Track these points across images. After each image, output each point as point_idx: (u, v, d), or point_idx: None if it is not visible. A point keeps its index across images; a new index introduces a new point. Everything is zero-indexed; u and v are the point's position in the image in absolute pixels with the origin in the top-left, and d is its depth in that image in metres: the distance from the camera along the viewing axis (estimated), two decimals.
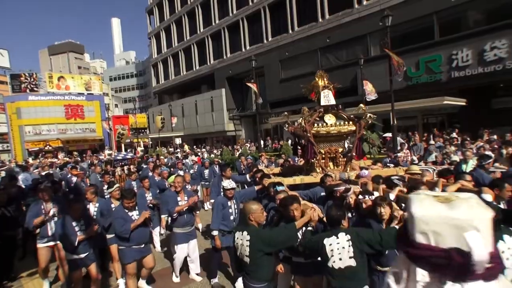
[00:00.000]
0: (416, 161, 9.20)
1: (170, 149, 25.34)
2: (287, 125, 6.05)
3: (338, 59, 20.38)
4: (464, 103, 13.79)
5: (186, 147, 25.98)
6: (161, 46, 38.10)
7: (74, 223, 4.05)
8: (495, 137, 11.96)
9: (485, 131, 13.22)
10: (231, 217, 4.66)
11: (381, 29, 12.87)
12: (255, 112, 18.37)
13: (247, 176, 6.49)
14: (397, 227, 2.90)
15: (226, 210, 4.62)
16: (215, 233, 4.56)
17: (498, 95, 16.36)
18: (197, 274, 5.11)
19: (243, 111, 28.64)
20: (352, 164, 5.68)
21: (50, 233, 4.72)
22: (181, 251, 4.93)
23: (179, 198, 5.00)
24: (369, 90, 13.67)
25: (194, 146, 28.80)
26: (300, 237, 3.10)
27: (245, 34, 26.94)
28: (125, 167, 13.91)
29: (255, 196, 4.96)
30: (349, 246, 2.65)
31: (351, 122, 5.46)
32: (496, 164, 6.78)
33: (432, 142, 12.37)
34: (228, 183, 4.72)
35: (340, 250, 2.65)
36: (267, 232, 3.02)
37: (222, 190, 4.87)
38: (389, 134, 13.22)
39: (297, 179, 5.25)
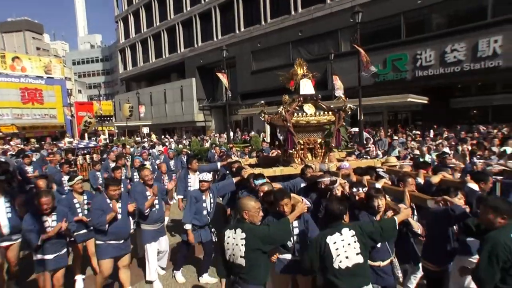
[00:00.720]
0: (381, 156, 9.35)
1: (137, 138, 24.33)
2: (263, 115, 5.85)
3: (310, 53, 20.37)
4: (426, 101, 14.31)
5: (153, 137, 25.00)
6: (129, 31, 36.13)
7: (44, 218, 3.63)
8: (452, 134, 12.52)
9: (443, 129, 13.85)
10: (204, 212, 4.38)
11: (351, 26, 12.92)
12: (225, 103, 17.91)
13: (218, 164, 6.16)
14: (396, 218, 2.80)
15: (200, 204, 4.34)
16: (187, 227, 4.30)
17: (456, 96, 17.24)
18: (162, 268, 4.85)
19: (214, 101, 28.02)
20: (330, 155, 5.64)
21: (4, 230, 4.11)
22: (152, 251, 4.48)
23: (148, 193, 4.53)
24: (338, 85, 13.77)
25: (162, 136, 27.81)
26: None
27: (217, 23, 26.17)
28: (87, 156, 13.06)
29: (233, 189, 4.76)
30: (355, 242, 2.47)
31: (330, 113, 5.31)
32: (453, 160, 7.02)
33: (395, 137, 12.74)
34: (203, 175, 4.40)
35: (346, 248, 2.45)
36: (264, 228, 2.71)
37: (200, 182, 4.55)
38: (355, 129, 13.42)
39: (277, 170, 5.05)
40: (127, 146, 14.91)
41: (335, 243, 2.46)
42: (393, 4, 16.39)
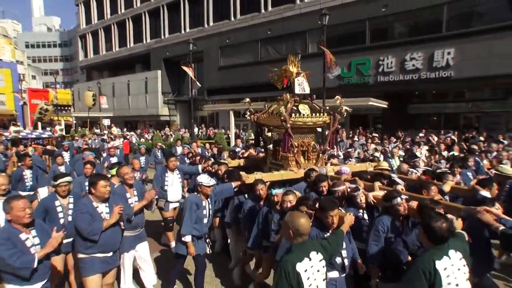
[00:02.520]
0: (342, 157, 9.50)
1: (97, 130, 22.98)
2: (248, 113, 5.51)
3: (278, 52, 20.36)
4: (386, 106, 14.86)
5: (114, 129, 23.69)
6: (91, 17, 33.90)
7: (22, 236, 2.64)
8: (408, 138, 13.11)
9: (401, 133, 14.50)
10: (205, 220, 3.84)
11: (319, 28, 13.02)
12: (191, 97, 17.40)
13: (200, 167, 5.63)
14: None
15: (200, 212, 3.76)
16: (187, 238, 3.69)
17: (413, 102, 18.13)
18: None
19: (179, 95, 27.18)
20: (333, 159, 5.51)
21: None
22: (129, 259, 3.91)
23: (128, 195, 3.94)
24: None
25: (125, 129, 26.49)
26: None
27: (185, 16, 25.33)
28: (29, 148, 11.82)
29: (231, 194, 4.37)
30: (464, 266, 2.21)
31: (325, 114, 5.02)
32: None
33: (356, 139, 13.09)
34: (206, 179, 3.82)
35: (456, 274, 2.16)
36: (327, 244, 2.48)
37: (197, 186, 3.91)
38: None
39: (277, 175, 4.63)
40: (86, 138, 13.98)
41: (445, 269, 2.14)
42: (360, 10, 16.80)
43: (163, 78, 26.93)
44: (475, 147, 9.42)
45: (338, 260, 2.85)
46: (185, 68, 16.40)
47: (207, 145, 9.87)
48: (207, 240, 3.97)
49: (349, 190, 3.66)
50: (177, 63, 25.39)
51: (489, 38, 13.42)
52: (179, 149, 9.92)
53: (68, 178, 3.78)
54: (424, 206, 2.93)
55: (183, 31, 25.44)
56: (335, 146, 10.67)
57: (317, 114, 4.95)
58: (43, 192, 6.44)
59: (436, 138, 12.65)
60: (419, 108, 18.00)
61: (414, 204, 3.12)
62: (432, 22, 15.27)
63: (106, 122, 26.88)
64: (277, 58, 20.05)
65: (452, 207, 3.13)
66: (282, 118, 4.66)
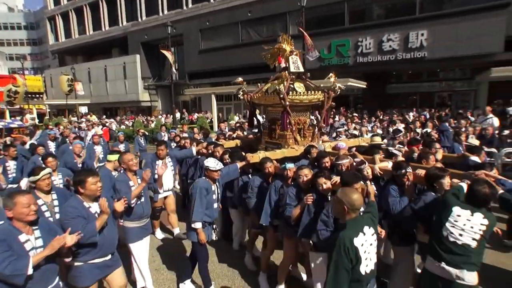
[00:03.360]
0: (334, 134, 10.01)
1: (73, 118, 22.38)
2: (241, 93, 5.45)
3: (259, 34, 20.48)
4: (365, 86, 15.49)
5: (93, 117, 23.22)
6: None
7: (22, 237, 2.31)
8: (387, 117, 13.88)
9: (380, 112, 15.26)
10: (215, 205, 3.77)
11: (299, 9, 13.30)
12: (171, 82, 17.37)
13: (194, 149, 5.54)
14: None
15: (210, 196, 3.67)
16: (198, 225, 3.57)
17: (391, 82, 18.93)
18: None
19: (160, 80, 26.84)
20: (323, 136, 5.53)
21: None
22: (140, 252, 3.76)
23: (131, 183, 3.74)
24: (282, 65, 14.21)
25: (103, 116, 26.01)
26: None
27: None
28: (8, 138, 11.37)
29: (237, 176, 4.35)
30: (480, 230, 2.53)
31: (319, 92, 5.01)
32: (385, 140, 7.91)
33: (337, 119, 13.72)
34: (213, 163, 3.67)
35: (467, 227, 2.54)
36: (375, 215, 2.63)
37: (204, 170, 3.80)
38: None
39: (279, 153, 4.66)
40: (61, 127, 13.45)
41: (459, 216, 2.56)
42: None
43: (142, 63, 26.43)
44: (446, 124, 10.30)
45: None
46: (164, 52, 16.26)
47: (195, 130, 9.84)
48: (214, 226, 3.85)
49: (354, 164, 3.75)
50: (156, 47, 24.92)
51: (456, 21, 14.24)
52: (164, 135, 9.87)
53: (48, 170, 3.35)
54: (434, 174, 3.10)
55: (161, 13, 24.90)
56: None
57: (312, 92, 4.98)
58: (23, 185, 5.72)
59: (412, 116, 13.49)
60: (397, 88, 18.86)
61: (421, 172, 3.28)
62: (407, 4, 15.88)
63: (84, 109, 26.21)
64: (258, 41, 20.20)
65: (455, 173, 3.29)
66: (281, 96, 4.61)
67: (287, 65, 5.06)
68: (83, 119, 21.42)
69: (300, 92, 4.84)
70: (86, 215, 2.75)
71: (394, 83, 18.88)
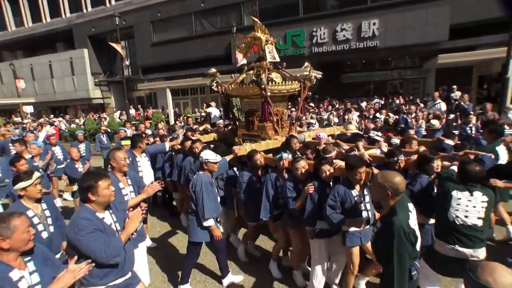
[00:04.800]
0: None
1: (16, 119, 20.57)
2: (215, 84, 5.32)
3: (213, 25, 19.87)
4: (320, 76, 15.53)
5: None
6: None
7: (14, 275, 1.79)
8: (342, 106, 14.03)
9: (335, 101, 15.41)
10: (218, 198, 3.68)
11: None
12: (123, 77, 16.31)
13: (167, 144, 5.42)
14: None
15: (214, 190, 3.58)
16: (211, 222, 3.45)
17: (346, 71, 19.24)
18: None
19: (112, 76, 25.31)
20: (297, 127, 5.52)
21: None
22: (138, 260, 3.27)
23: (121, 184, 3.33)
24: (240, 58, 13.83)
25: (51, 115, 24.05)
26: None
27: None
28: None
29: (227, 169, 4.27)
30: (482, 208, 2.69)
31: (296, 82, 4.98)
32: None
33: (293, 109, 13.62)
34: (212, 155, 3.52)
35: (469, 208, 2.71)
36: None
37: (202, 164, 3.61)
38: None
39: (264, 144, 4.60)
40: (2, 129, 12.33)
41: (459, 199, 2.72)
42: None
43: (91, 58, 24.71)
44: (402, 115, 10.60)
45: (365, 214, 3.03)
46: (112, 45, 15.23)
47: (159, 125, 9.29)
48: (218, 219, 3.74)
49: (344, 152, 3.88)
50: (105, 40, 23.40)
51: (405, 10, 14.72)
52: (128, 131, 9.27)
53: (39, 174, 2.88)
54: (424, 157, 3.36)
55: (108, 4, 23.34)
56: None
57: (289, 82, 4.93)
58: None
59: (365, 104, 13.74)
60: (351, 77, 19.24)
61: (414, 157, 3.47)
62: None
63: (29, 109, 24.04)
64: (212, 32, 19.60)
65: (442, 156, 3.58)
66: (263, 86, 4.52)
67: (262, 55, 4.92)
68: (29, 119, 19.80)
69: (277, 82, 4.78)
70: (103, 228, 2.26)
71: (349, 73, 19.22)
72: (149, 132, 9.19)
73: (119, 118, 18.56)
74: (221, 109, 13.66)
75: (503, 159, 4.18)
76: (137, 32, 22.31)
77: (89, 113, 21.95)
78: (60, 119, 20.62)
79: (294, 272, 3.77)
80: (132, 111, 19.34)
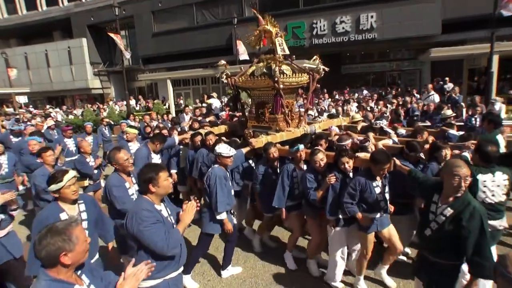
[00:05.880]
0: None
1: (8, 109, 20.82)
2: (224, 76, 5.45)
3: (214, 16, 20.80)
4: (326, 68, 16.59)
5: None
6: None
7: None
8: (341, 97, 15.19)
9: (335, 92, 16.57)
10: (232, 191, 3.88)
11: None
12: (123, 67, 17.20)
13: (176, 138, 5.58)
14: None
15: (228, 183, 3.78)
16: (224, 216, 3.65)
17: (345, 63, 20.37)
18: None
19: (112, 66, 26.14)
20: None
21: None
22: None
23: (127, 184, 3.43)
24: (242, 50, 14.83)
25: (47, 106, 24.82)
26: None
27: None
28: None
29: (243, 161, 4.50)
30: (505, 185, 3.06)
31: (305, 74, 5.15)
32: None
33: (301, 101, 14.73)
34: (225, 149, 3.71)
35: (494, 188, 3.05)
36: None
37: (216, 157, 3.81)
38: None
39: (278, 136, 4.83)
40: None
41: (485, 181, 3.03)
42: None
43: (90, 47, 25.51)
44: (394, 101, 11.75)
45: (382, 203, 3.33)
46: (112, 35, 16.02)
47: (165, 116, 9.60)
48: (232, 210, 3.93)
49: (358, 142, 4.20)
50: (105, 30, 24.19)
51: (401, 4, 15.81)
52: (132, 124, 9.41)
53: (73, 172, 2.71)
54: (434, 146, 3.76)
55: None
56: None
57: (299, 74, 5.08)
58: None
59: (364, 95, 14.93)
60: (351, 69, 20.39)
61: (426, 146, 3.87)
62: None
63: (23, 99, 24.63)
64: (214, 23, 20.54)
65: (452, 145, 4.00)
66: (276, 79, 4.70)
67: (272, 47, 5.11)
68: (23, 110, 20.10)
69: (288, 75, 4.94)
70: (162, 220, 2.35)
71: (348, 64, 20.34)
72: (154, 123, 9.36)
73: (119, 109, 19.39)
74: (223, 101, 14.74)
75: (502, 147, 4.57)
76: (137, 22, 23.12)
77: (87, 104, 22.68)
78: (57, 109, 20.91)
79: (308, 261, 4.00)
80: (132, 102, 20.10)
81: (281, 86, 4.78)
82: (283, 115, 5.08)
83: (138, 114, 13.32)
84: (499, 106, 9.29)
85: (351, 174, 3.59)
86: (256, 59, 5.41)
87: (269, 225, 4.73)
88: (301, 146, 3.90)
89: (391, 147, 4.19)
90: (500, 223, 3.17)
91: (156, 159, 4.98)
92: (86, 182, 5.29)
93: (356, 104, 12.47)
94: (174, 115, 13.32)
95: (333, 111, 11.16)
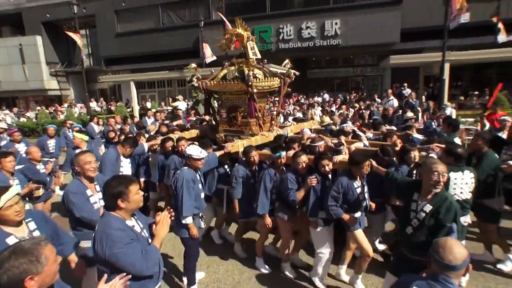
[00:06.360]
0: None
1: None
2: (195, 80, 5.41)
3: (181, 18, 20.70)
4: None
5: None
6: None
7: None
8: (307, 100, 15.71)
9: (301, 96, 17.08)
10: (202, 194, 3.74)
11: None
12: (86, 68, 16.63)
13: (145, 145, 5.39)
14: None
15: (197, 187, 3.62)
16: (189, 220, 3.48)
17: (311, 67, 21.07)
18: None
19: (71, 66, 25.06)
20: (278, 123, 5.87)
21: None
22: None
23: (89, 192, 3.19)
24: (208, 53, 14.89)
25: None
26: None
27: None
28: None
29: (216, 165, 4.45)
30: (472, 183, 3.40)
31: (276, 78, 5.24)
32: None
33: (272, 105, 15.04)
34: (196, 151, 3.58)
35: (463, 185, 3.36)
36: None
37: (186, 159, 3.69)
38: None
39: (253, 140, 4.87)
40: None
41: (455, 179, 3.35)
42: None
43: (46, 46, 24.28)
44: (356, 105, 12.39)
45: (364, 203, 3.57)
46: (70, 34, 15.50)
47: (129, 120, 9.26)
48: (200, 214, 3.77)
49: (333, 145, 4.35)
50: (62, 28, 23.20)
51: (363, 12, 16.78)
52: (96, 128, 9.51)
53: (16, 188, 2.37)
54: (404, 149, 4.05)
55: None
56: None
57: (271, 78, 5.16)
58: None
59: (327, 99, 15.56)
60: (316, 73, 21.14)
61: (397, 148, 4.18)
62: None
63: None
64: (180, 25, 20.43)
65: (419, 148, 4.31)
66: (250, 83, 4.71)
67: (243, 51, 5.11)
68: None
69: (260, 79, 4.98)
70: (136, 238, 2.16)
71: (314, 69, 21.07)
72: (118, 127, 9.11)
73: (78, 111, 18.64)
74: (189, 104, 14.71)
75: None
76: (99, 22, 22.42)
77: (42, 106, 21.53)
78: (7, 112, 19.70)
79: (282, 265, 4.08)
80: (93, 104, 19.44)
81: (255, 90, 4.83)
82: (256, 119, 5.12)
83: (102, 116, 12.97)
84: (450, 111, 10.11)
85: (330, 176, 3.77)
86: (227, 62, 5.44)
87: (245, 230, 4.75)
88: (283, 153, 3.95)
89: (364, 150, 4.41)
90: (465, 219, 3.50)
91: (126, 163, 4.76)
92: (40, 191, 4.90)
93: (320, 108, 12.95)
94: (138, 118, 13.09)
95: (299, 115, 11.59)
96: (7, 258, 1.40)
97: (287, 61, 5.56)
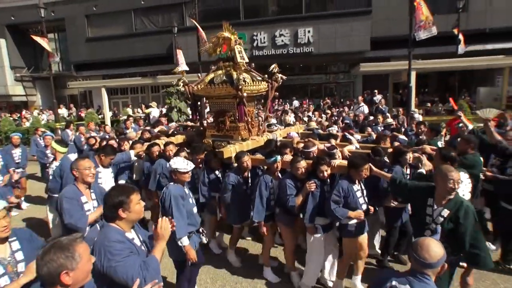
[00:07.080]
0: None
1: None
2: (182, 84, 5.41)
3: (155, 24, 20.71)
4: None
5: None
6: None
7: None
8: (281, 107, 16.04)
9: (274, 103, 17.41)
10: (195, 209, 3.45)
11: (194, 0, 14.16)
12: (55, 73, 16.20)
13: (132, 153, 5.22)
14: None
15: (187, 202, 3.32)
16: (185, 241, 3.14)
17: (285, 74, 21.39)
18: None
19: (38, 71, 24.35)
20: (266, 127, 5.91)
21: None
22: None
23: (84, 198, 3.13)
24: (182, 60, 14.96)
25: None
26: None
27: None
28: None
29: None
30: (469, 183, 3.48)
31: (264, 82, 5.27)
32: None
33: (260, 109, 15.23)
34: (182, 163, 3.26)
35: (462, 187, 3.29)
36: None
37: (171, 173, 3.41)
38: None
39: (245, 145, 4.86)
40: None
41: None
42: None
43: (10, 49, 23.52)
44: (328, 111, 12.82)
45: (364, 206, 3.60)
46: (36, 38, 15.12)
47: (106, 128, 9.19)
48: (201, 229, 3.52)
49: (326, 149, 4.34)
50: (28, 31, 22.50)
51: (334, 21, 17.49)
52: (70, 134, 9.32)
53: (3, 203, 2.22)
54: (399, 150, 4.13)
55: None
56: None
57: (258, 82, 5.16)
58: None
59: (297, 105, 15.99)
60: (290, 80, 21.58)
61: (390, 150, 4.31)
62: (296, 3, 18.59)
63: None
64: (153, 31, 20.40)
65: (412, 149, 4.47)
66: (240, 87, 4.68)
67: (231, 55, 5.08)
68: None
69: (248, 83, 4.96)
70: (136, 251, 2.09)
71: (288, 76, 21.47)
72: (93, 134, 8.82)
73: (45, 118, 18.08)
74: (162, 110, 14.65)
75: None
76: (69, 26, 22.01)
77: (5, 113, 20.70)
78: None
79: (292, 274, 4.05)
80: (63, 111, 18.95)
81: (245, 94, 4.80)
82: (246, 124, 5.09)
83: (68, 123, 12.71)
84: (417, 117, 10.66)
85: (328, 181, 3.82)
86: (214, 66, 5.41)
87: (239, 236, 4.75)
88: (278, 157, 3.92)
89: (357, 152, 4.47)
90: None
91: (107, 173, 4.57)
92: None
93: (293, 115, 13.28)
94: (109, 125, 12.91)
95: (272, 120, 11.86)
96: (48, 251, 1.49)
97: (274, 65, 5.55)
